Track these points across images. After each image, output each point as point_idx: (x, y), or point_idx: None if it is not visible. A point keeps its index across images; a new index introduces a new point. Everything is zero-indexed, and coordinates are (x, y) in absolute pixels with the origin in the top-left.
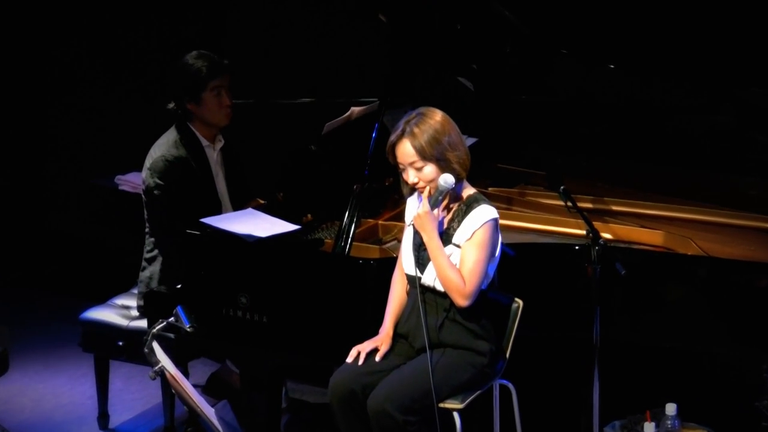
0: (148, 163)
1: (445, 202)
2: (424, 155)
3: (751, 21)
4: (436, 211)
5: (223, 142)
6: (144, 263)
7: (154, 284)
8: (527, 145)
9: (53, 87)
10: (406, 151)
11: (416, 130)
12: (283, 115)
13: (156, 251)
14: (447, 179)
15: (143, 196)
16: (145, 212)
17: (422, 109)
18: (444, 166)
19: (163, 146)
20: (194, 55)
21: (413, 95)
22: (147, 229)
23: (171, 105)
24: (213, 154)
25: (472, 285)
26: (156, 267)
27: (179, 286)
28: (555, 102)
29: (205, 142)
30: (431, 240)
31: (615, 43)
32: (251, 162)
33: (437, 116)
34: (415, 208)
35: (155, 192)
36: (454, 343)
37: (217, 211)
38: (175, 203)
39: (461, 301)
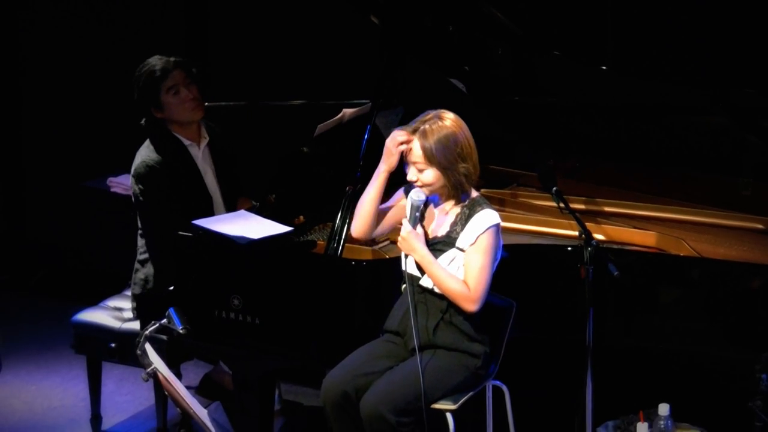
0: (132, 170)
1: (446, 203)
2: (431, 160)
3: (744, 22)
4: (418, 228)
5: (207, 138)
6: (137, 265)
7: (150, 286)
8: (520, 147)
9: (41, 89)
10: (413, 150)
11: (429, 132)
12: (274, 117)
13: (148, 254)
14: (419, 194)
15: (133, 199)
16: (138, 215)
17: (441, 113)
18: (449, 175)
19: (143, 152)
20: (140, 67)
21: (404, 97)
22: (140, 231)
23: (143, 121)
24: (198, 153)
25: (478, 290)
26: (151, 270)
27: (171, 288)
28: (548, 103)
29: (186, 142)
30: (423, 258)
31: (608, 45)
32: (243, 164)
33: (454, 123)
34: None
35: (141, 198)
36: (448, 345)
37: (209, 208)
38: (163, 207)
39: (470, 307)
